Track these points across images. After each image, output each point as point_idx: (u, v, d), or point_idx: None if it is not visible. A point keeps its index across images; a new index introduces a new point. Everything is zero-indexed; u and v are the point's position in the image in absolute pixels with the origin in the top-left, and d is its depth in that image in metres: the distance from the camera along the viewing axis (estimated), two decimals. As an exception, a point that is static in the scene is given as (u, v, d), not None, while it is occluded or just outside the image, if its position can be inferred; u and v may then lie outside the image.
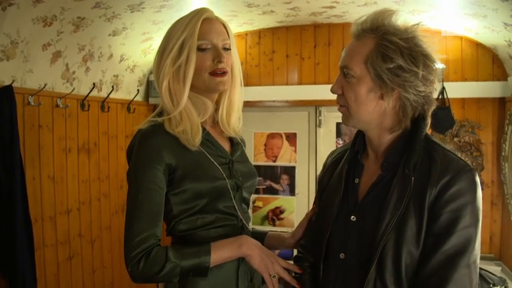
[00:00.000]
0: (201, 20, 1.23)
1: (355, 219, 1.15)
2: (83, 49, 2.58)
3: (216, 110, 1.34)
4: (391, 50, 1.04)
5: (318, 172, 3.32)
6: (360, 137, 1.23)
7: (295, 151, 3.47)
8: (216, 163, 1.25)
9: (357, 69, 1.09)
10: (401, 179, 1.08)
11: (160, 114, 1.28)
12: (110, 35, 2.67)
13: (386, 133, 1.14)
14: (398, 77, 1.05)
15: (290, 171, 3.48)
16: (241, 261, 1.25)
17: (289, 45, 3.35)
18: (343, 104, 1.14)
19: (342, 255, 1.15)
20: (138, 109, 3.33)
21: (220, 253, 1.17)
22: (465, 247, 1.00)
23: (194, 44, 1.21)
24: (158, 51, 1.27)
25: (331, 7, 2.75)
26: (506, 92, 2.79)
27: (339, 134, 3.37)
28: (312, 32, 3.30)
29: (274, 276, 1.20)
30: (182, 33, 1.22)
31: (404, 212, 1.04)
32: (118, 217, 3.08)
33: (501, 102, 2.90)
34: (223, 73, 1.24)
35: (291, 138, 3.48)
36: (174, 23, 1.27)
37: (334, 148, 3.83)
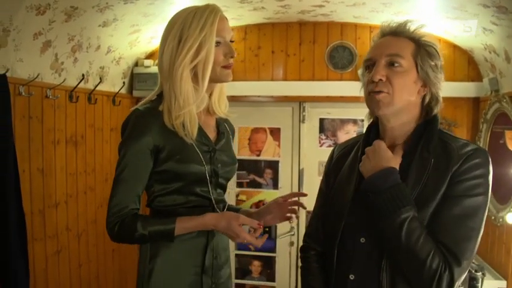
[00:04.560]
0: (218, 18, 1.33)
1: None
2: (73, 39, 2.52)
3: (209, 97, 1.46)
4: (434, 50, 1.22)
5: (301, 166, 3.43)
6: (374, 129, 1.33)
7: (278, 146, 3.54)
8: (198, 150, 1.37)
9: (407, 59, 1.21)
10: (419, 162, 1.19)
11: (157, 100, 1.39)
12: (100, 25, 2.63)
13: (412, 122, 1.25)
14: (436, 74, 1.21)
15: (273, 165, 3.54)
16: (209, 239, 1.42)
17: (275, 41, 3.40)
18: (386, 90, 1.20)
19: (362, 240, 1.23)
20: (123, 102, 3.28)
21: (185, 224, 1.33)
22: (476, 211, 1.13)
23: (213, 43, 1.32)
24: (168, 47, 1.34)
25: (320, 6, 2.82)
26: (481, 92, 2.98)
27: (322, 129, 3.46)
28: (297, 29, 3.36)
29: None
30: (201, 31, 1.31)
31: (423, 190, 1.16)
32: (103, 211, 3.01)
33: (475, 101, 3.09)
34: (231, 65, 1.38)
35: (275, 133, 3.55)
36: (184, 17, 1.34)
37: (317, 143, 3.86)
